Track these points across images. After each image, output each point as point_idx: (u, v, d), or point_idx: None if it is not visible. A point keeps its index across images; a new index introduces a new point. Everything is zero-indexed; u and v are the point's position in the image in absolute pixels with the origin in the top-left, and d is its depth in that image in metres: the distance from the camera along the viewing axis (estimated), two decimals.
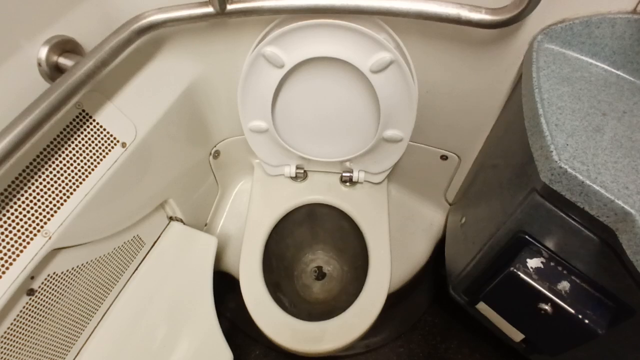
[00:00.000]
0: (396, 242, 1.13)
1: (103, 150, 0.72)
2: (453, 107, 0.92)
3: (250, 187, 1.10)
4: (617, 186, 0.55)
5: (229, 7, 0.71)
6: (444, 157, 1.05)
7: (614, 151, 0.59)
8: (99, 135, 0.72)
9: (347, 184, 1.08)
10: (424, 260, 1.17)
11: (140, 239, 0.89)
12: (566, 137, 0.60)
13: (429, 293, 1.29)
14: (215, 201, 1.19)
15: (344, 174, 1.06)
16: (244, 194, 1.25)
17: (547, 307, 0.66)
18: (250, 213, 1.04)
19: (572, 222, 0.61)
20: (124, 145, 0.75)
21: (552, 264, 0.68)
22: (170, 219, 1.00)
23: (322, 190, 1.08)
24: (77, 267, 0.73)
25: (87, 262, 0.75)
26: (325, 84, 0.87)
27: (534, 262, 0.69)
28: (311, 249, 1.20)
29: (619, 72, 0.69)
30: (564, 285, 0.67)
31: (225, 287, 1.12)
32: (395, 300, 1.16)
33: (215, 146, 1.08)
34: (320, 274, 1.18)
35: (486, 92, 0.85)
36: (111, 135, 0.73)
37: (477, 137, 0.95)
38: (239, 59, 0.84)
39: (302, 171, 1.07)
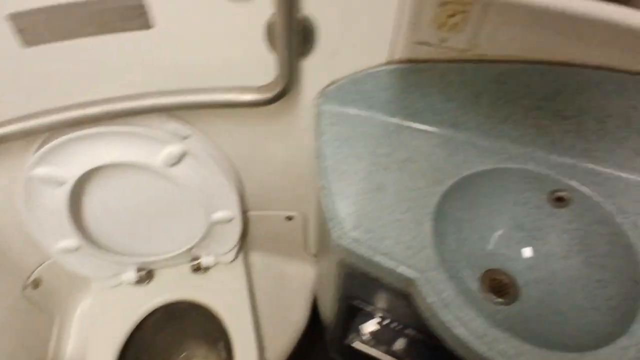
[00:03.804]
0: (270, 313, 1.08)
1: None
2: (276, 173, 0.89)
3: (90, 306, 0.97)
4: (401, 248, 0.54)
5: None
6: (289, 218, 1.02)
7: (396, 207, 0.59)
8: None
9: (199, 271, 1.00)
10: (304, 323, 1.12)
11: None
12: (349, 206, 0.58)
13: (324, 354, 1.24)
14: (54, 334, 1.02)
15: (192, 263, 0.99)
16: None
17: None
18: (94, 336, 0.92)
19: (383, 285, 0.60)
20: None
21: (386, 323, 0.67)
22: None
23: (171, 286, 0.99)
24: None
25: None
26: (131, 184, 0.79)
27: (369, 326, 0.68)
28: (181, 348, 1.10)
29: (395, 119, 0.70)
30: (400, 342, 0.66)
31: None
32: None
33: (30, 275, 0.94)
34: None
35: (299, 155, 0.84)
36: None
37: (310, 194, 0.94)
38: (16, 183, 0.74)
39: (144, 272, 0.97)
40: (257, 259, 1.17)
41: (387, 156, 0.65)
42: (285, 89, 0.64)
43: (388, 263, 0.52)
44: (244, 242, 1.05)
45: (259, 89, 0.65)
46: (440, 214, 0.61)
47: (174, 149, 0.72)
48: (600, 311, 0.58)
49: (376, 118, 0.70)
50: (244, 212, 1.00)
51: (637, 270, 0.56)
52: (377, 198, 0.60)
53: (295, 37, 0.59)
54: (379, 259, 0.52)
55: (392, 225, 0.56)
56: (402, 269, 0.51)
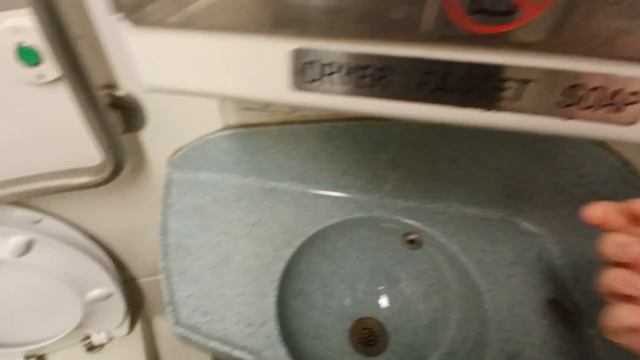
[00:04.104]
0: None
1: None
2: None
3: None
4: (240, 327, 0.52)
5: None
6: None
7: (240, 280, 0.57)
8: None
9: (94, 349, 0.94)
10: None
11: None
12: (190, 286, 0.56)
13: None
14: None
15: (84, 342, 0.93)
16: None
17: None
18: None
19: None
20: None
21: None
22: None
23: None
24: None
25: None
26: None
27: None
28: None
29: (248, 180, 0.69)
30: None
31: None
32: None
33: None
34: None
35: None
36: None
37: None
38: None
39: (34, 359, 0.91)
40: (164, 322, 1.11)
41: (237, 221, 0.64)
42: (118, 167, 0.61)
43: (222, 348, 0.50)
44: (140, 310, 1.01)
45: (92, 170, 0.62)
46: (292, 277, 0.60)
47: (18, 238, 0.68)
48: (460, 355, 0.58)
49: (228, 181, 0.69)
50: (133, 281, 0.95)
51: (482, 310, 0.57)
52: (221, 273, 0.58)
53: (108, 115, 0.56)
54: (213, 344, 0.50)
55: (234, 301, 0.54)
56: (237, 353, 0.49)
